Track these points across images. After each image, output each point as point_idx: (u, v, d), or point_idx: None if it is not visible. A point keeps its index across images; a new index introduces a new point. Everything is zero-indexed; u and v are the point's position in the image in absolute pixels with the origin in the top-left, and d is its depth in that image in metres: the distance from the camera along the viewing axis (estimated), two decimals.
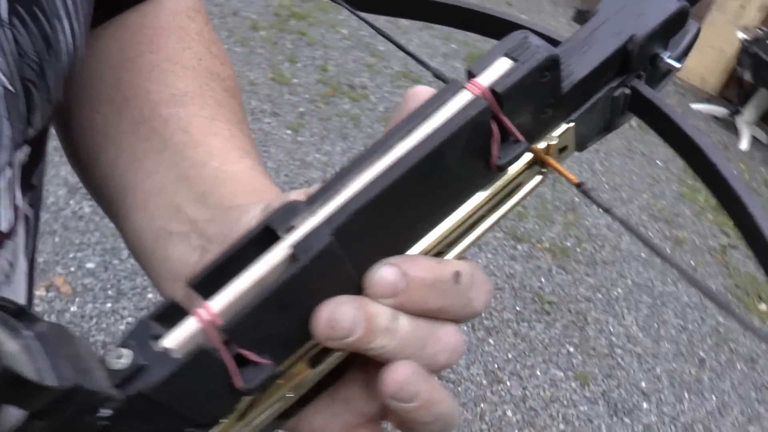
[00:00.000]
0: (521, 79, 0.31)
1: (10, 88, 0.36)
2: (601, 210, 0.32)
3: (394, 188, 0.29)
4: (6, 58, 0.35)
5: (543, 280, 2.95)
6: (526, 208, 3.31)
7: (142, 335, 0.28)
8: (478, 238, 0.35)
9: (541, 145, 0.34)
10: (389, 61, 4.01)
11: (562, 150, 0.35)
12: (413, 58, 0.38)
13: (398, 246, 0.32)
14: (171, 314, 0.29)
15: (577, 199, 3.53)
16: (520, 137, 0.32)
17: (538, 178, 0.35)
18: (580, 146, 0.37)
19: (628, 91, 0.36)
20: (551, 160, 0.34)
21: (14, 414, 0.23)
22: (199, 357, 0.28)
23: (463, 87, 0.31)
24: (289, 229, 0.29)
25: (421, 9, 0.42)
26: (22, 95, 0.37)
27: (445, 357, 0.33)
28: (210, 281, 0.29)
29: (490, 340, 2.56)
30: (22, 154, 0.40)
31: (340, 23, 4.23)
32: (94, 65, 0.49)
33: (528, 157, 0.34)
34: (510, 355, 2.53)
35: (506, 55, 0.31)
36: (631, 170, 4.08)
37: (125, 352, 0.27)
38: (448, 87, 0.31)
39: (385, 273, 0.31)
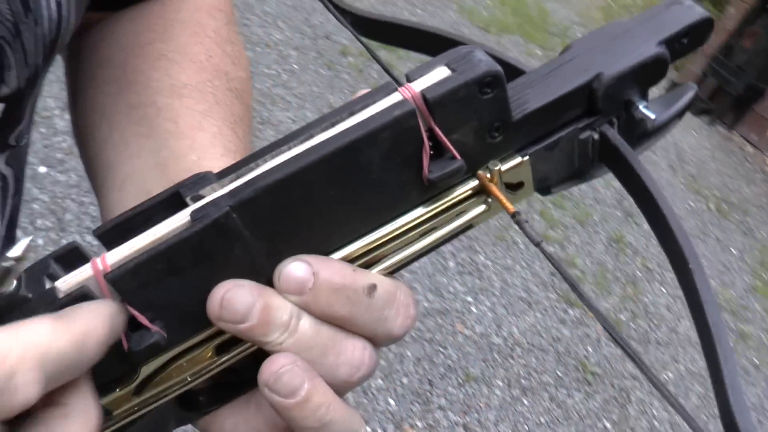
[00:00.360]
0: (455, 89, 0.29)
1: None
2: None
3: (304, 174, 0.29)
4: None
5: (590, 349, 2.84)
6: (584, 274, 3.22)
7: (39, 271, 0.29)
8: (410, 257, 0.34)
9: (488, 172, 0.32)
10: None
11: (516, 186, 0.34)
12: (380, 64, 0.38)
13: (320, 246, 0.31)
14: (72, 258, 0.29)
15: (639, 273, 3.41)
16: (454, 152, 0.31)
17: (480, 208, 0.33)
18: (542, 189, 0.35)
19: (596, 136, 0.33)
20: (491, 185, 0.32)
21: None
22: (83, 298, 0.28)
23: (395, 89, 0.30)
24: (196, 197, 0.30)
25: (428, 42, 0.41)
26: None
27: (346, 371, 0.31)
28: (116, 236, 0.30)
29: (525, 401, 2.47)
30: None
31: None
32: (108, 46, 0.50)
33: (473, 183, 0.33)
34: (543, 420, 2.44)
35: (447, 65, 0.30)
36: (702, 254, 3.93)
37: (11, 276, 0.27)
38: (381, 87, 0.31)
39: (294, 267, 0.30)
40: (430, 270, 2.74)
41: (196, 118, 0.46)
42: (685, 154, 5.06)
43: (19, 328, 0.25)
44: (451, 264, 2.84)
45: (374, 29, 0.41)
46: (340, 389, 0.32)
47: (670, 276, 3.49)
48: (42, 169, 2.24)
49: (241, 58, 0.53)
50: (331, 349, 0.31)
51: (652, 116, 0.34)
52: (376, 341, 0.33)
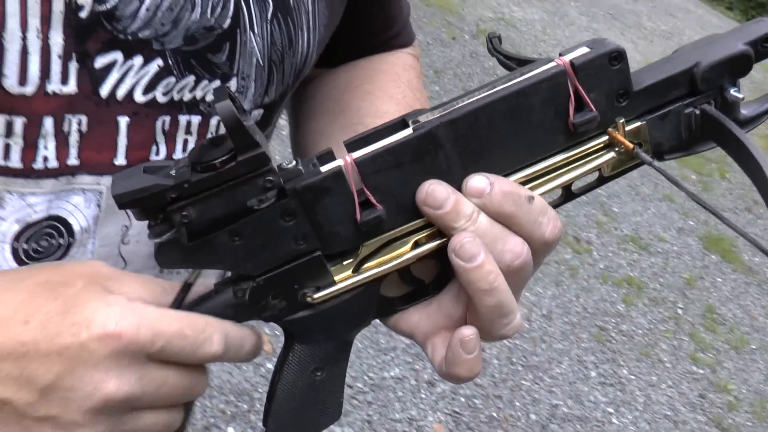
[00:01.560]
0: (593, 59, 0.42)
1: (261, 62, 0.53)
2: None
3: (490, 107, 0.41)
4: (263, 41, 0.53)
5: None
6: (739, 401, 3.06)
7: (308, 163, 0.42)
8: (553, 186, 0.45)
9: (615, 128, 0.43)
10: (620, 223, 4.03)
11: (639, 145, 0.44)
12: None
13: (494, 168, 0.43)
14: (328, 157, 0.42)
15: None
16: (591, 105, 0.42)
17: (610, 155, 0.45)
18: (658, 154, 0.46)
19: (698, 112, 0.45)
20: (614, 133, 0.44)
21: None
22: (335, 177, 0.41)
23: (552, 59, 0.43)
24: (416, 121, 0.42)
25: None
26: (266, 69, 0.54)
27: (509, 257, 0.43)
28: (358, 146, 0.42)
29: None
30: (258, 113, 0.57)
31: (580, 179, 4.36)
32: (326, 88, 0.69)
33: (604, 138, 0.44)
34: None
35: (587, 46, 0.43)
36: None
37: (293, 161, 0.41)
38: (542, 59, 0.44)
39: (477, 179, 0.43)
40: (570, 377, 2.75)
41: None
42: None
43: (214, 319, 0.42)
44: (593, 374, 2.83)
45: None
46: (504, 272, 0.43)
47: None
48: None
49: (427, 103, 0.68)
50: (500, 238, 0.43)
51: (741, 96, 0.44)
52: (532, 243, 0.44)
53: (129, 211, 0.42)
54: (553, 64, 0.43)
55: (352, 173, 0.41)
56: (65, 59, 0.45)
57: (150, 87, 0.49)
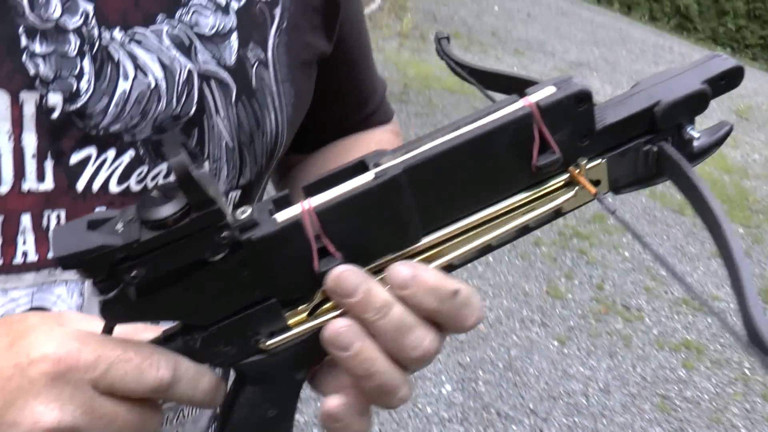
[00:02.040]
0: (560, 100, 0.41)
1: (230, 143, 0.55)
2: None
3: (455, 151, 0.40)
4: (230, 124, 0.54)
5: None
6: None
7: (263, 209, 0.40)
8: (512, 230, 0.43)
9: (576, 168, 0.43)
10: (670, 286, 3.92)
11: (596, 183, 0.44)
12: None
13: (452, 212, 0.42)
14: (284, 202, 0.41)
15: None
16: (555, 147, 0.42)
17: (569, 194, 0.44)
18: (614, 188, 0.46)
19: (655, 149, 0.44)
20: (578, 175, 0.43)
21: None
22: (294, 227, 0.39)
23: (518, 99, 0.42)
24: (377, 164, 0.41)
25: None
26: (236, 151, 0.55)
27: (418, 353, 0.41)
28: (315, 190, 0.41)
29: None
30: (235, 194, 0.58)
31: (624, 245, 4.28)
32: (306, 171, 0.70)
33: (564, 176, 0.43)
34: None
35: (554, 84, 0.42)
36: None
37: (247, 210, 0.40)
38: (507, 98, 0.43)
39: (400, 268, 0.41)
40: None
41: None
42: None
43: (164, 348, 0.40)
44: None
45: (478, 77, 0.52)
46: (407, 364, 0.42)
47: None
48: None
49: None
50: (408, 330, 0.40)
51: (697, 135, 0.44)
52: (445, 331, 0.43)
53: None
54: (519, 104, 0.42)
55: (310, 223, 0.40)
56: (40, 158, 0.47)
57: (124, 177, 0.50)
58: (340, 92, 0.70)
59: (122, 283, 0.38)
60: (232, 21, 0.55)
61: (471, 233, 0.44)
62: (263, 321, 0.42)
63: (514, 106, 0.42)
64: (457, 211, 0.43)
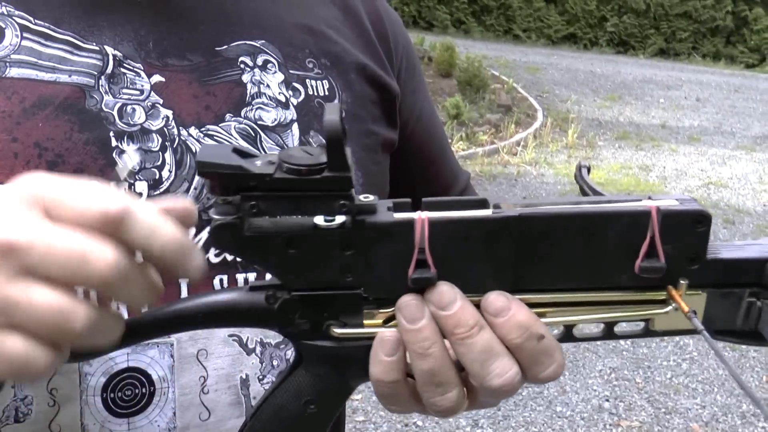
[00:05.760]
0: (680, 213, 0.42)
1: None
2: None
3: (569, 220, 0.41)
4: None
5: None
6: None
7: (383, 204, 0.42)
8: (596, 318, 0.44)
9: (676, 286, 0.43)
10: None
11: (693, 312, 0.43)
12: None
13: (543, 281, 0.43)
14: (403, 207, 0.42)
15: None
16: (662, 255, 0.42)
17: (662, 309, 0.44)
18: (709, 329, 0.44)
19: (759, 303, 0.44)
20: (673, 291, 0.43)
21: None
22: (405, 227, 0.41)
23: (640, 199, 0.43)
24: (497, 206, 0.43)
25: None
26: None
27: (501, 381, 0.42)
28: (435, 208, 0.42)
29: None
30: None
31: None
32: None
33: (662, 294, 0.43)
34: None
35: (677, 200, 0.43)
36: None
37: (370, 197, 0.42)
38: (634, 197, 0.44)
39: (498, 297, 0.42)
40: None
41: None
42: None
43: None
44: None
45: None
46: (486, 394, 0.43)
47: None
48: None
49: None
50: (495, 361, 0.42)
51: None
52: (525, 375, 0.43)
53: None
54: (640, 203, 0.43)
55: (421, 230, 0.41)
56: None
57: (204, 251, 0.55)
58: (421, 182, 0.76)
59: (241, 211, 0.40)
60: (292, 113, 0.62)
61: (554, 309, 0.44)
62: (343, 308, 0.43)
63: (636, 203, 0.43)
64: (548, 281, 0.43)
